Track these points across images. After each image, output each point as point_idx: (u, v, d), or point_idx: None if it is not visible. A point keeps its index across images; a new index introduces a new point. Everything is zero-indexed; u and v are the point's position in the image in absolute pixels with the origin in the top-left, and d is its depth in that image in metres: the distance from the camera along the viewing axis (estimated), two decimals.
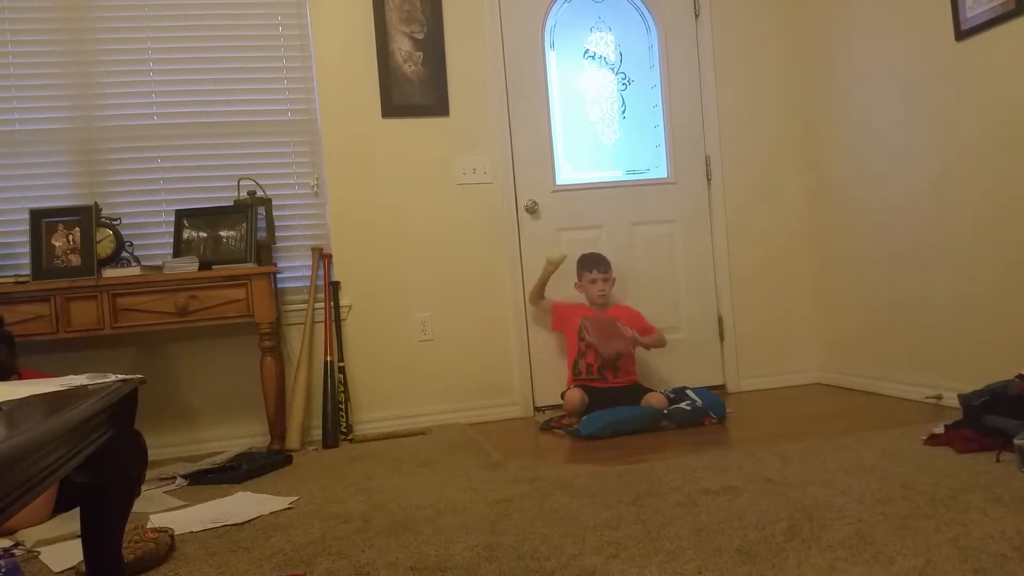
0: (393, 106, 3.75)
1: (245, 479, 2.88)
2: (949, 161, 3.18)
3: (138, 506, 1.90)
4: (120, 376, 1.58)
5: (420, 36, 3.77)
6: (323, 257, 3.66)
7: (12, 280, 3.19)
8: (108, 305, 3.16)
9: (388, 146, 3.75)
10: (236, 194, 3.53)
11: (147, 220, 3.56)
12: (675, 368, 3.91)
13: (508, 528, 2.08)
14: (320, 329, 3.63)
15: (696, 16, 4.06)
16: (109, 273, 3.23)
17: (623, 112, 4.06)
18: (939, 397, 3.23)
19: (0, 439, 0.98)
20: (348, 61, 3.71)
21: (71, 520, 2.20)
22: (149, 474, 2.06)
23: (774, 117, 4.10)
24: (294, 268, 3.69)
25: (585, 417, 3.29)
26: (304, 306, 3.62)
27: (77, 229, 3.24)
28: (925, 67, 3.26)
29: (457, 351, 3.81)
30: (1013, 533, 1.74)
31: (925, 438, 2.62)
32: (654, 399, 3.41)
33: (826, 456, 2.54)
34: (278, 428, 3.38)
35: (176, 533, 2.16)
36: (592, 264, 3.73)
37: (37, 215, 3.25)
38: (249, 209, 3.43)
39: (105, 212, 3.38)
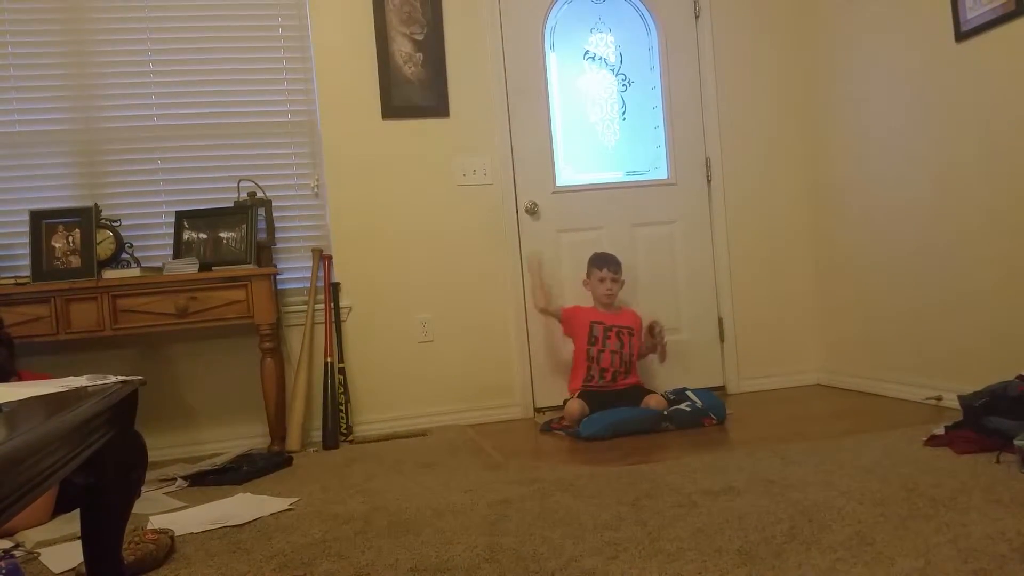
0: (393, 107, 3.75)
1: (245, 480, 2.89)
2: (949, 162, 3.18)
3: (138, 507, 1.90)
4: (120, 377, 1.58)
5: (420, 37, 3.77)
6: (323, 258, 3.66)
7: (12, 281, 3.20)
8: (108, 306, 3.16)
9: (388, 147, 3.75)
10: (236, 195, 3.53)
11: (147, 221, 3.56)
12: (675, 369, 3.91)
13: (508, 529, 2.09)
14: (320, 330, 3.63)
15: (696, 17, 4.06)
16: (109, 274, 3.23)
17: (623, 113, 4.06)
18: (939, 398, 3.23)
19: (0, 441, 0.98)
20: (348, 62, 3.71)
21: (71, 521, 2.20)
22: (149, 475, 2.05)
23: (774, 118, 4.10)
24: (294, 269, 3.69)
25: (585, 418, 3.29)
26: (304, 307, 3.62)
27: (77, 230, 3.24)
28: (925, 68, 3.27)
29: (457, 352, 3.80)
30: (1013, 534, 1.74)
31: (925, 439, 2.62)
32: (653, 400, 3.41)
33: (826, 457, 2.54)
34: (278, 429, 3.38)
35: (176, 534, 2.16)
36: (603, 263, 3.71)
37: (37, 216, 3.25)
38: (249, 210, 3.43)
39: (105, 213, 3.38)
